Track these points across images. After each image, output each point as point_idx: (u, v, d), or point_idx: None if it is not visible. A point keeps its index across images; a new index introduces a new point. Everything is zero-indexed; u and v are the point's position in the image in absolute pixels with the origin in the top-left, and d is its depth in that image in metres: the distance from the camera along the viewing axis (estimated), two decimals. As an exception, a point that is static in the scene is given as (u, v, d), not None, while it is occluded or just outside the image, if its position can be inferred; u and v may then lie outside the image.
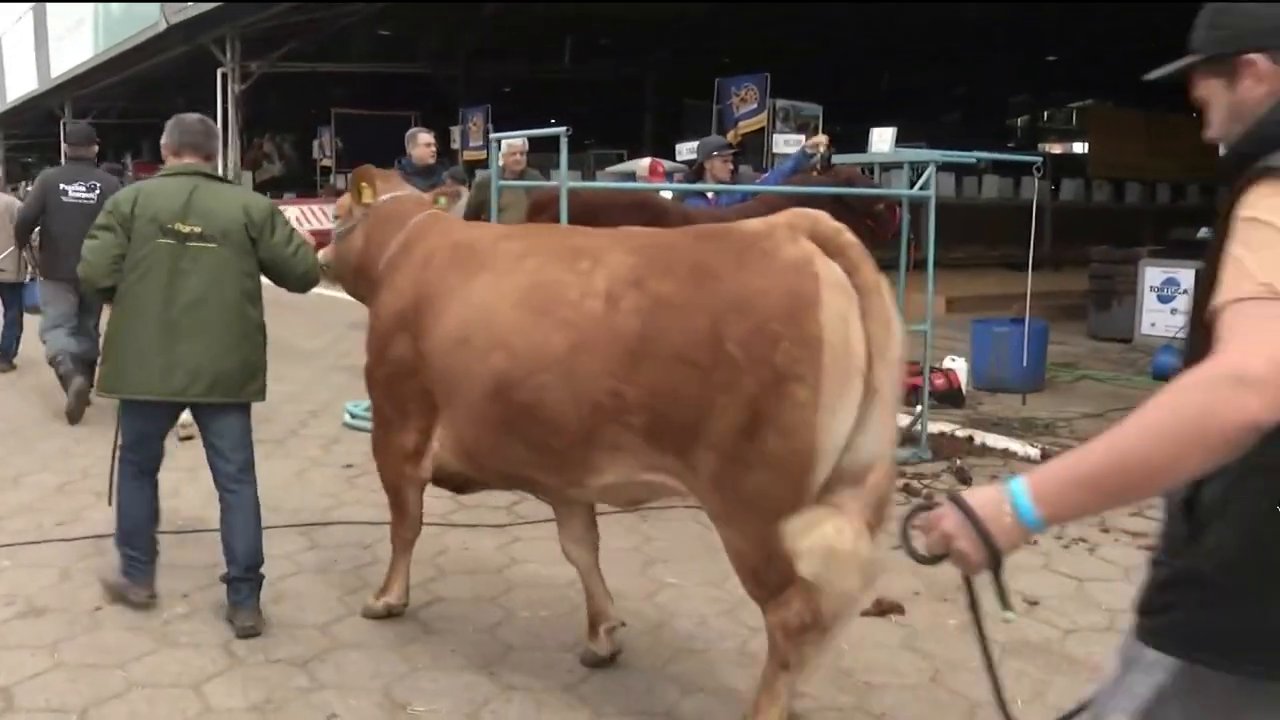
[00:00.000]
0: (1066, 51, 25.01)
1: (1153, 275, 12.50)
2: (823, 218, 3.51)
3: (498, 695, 4.06)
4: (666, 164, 10.07)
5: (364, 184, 4.85)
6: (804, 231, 3.45)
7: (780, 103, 16.57)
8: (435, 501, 6.35)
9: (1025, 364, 9.24)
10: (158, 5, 21.70)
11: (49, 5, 31.00)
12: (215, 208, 4.60)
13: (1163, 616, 2.04)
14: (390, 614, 4.70)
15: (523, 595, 5.01)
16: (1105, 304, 13.31)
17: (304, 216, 20.09)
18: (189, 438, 6.07)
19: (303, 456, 7.39)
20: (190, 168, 4.73)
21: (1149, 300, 12.50)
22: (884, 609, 4.83)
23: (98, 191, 8.37)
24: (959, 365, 9.16)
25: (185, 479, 6.63)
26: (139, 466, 4.77)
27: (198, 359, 4.48)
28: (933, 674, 4.32)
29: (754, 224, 3.63)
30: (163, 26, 21.90)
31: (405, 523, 4.60)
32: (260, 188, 26.75)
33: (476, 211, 9.57)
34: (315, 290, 5.05)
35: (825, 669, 4.27)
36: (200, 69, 23.01)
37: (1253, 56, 2.04)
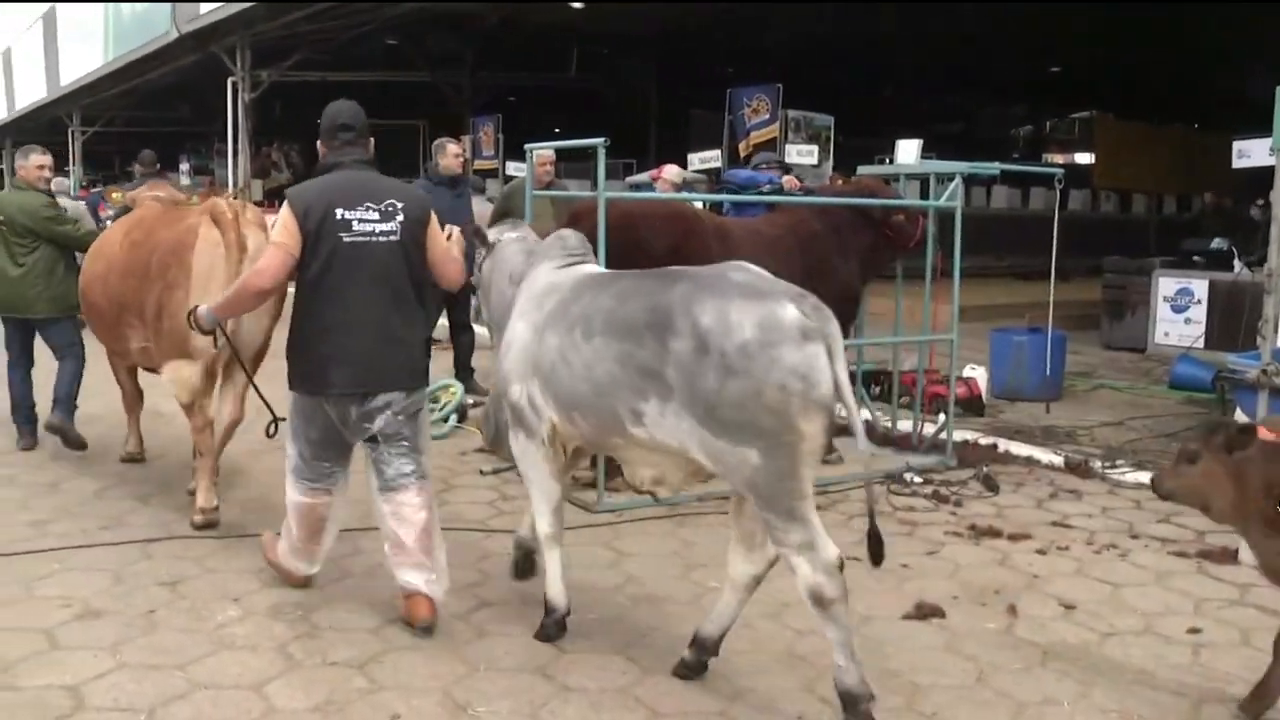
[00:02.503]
0: (1068, 63, 25.12)
1: (1166, 285, 12.59)
2: (219, 204, 6.09)
3: (555, 696, 4.14)
4: (688, 173, 10.15)
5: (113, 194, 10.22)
6: (208, 212, 6.01)
7: (792, 113, 16.66)
8: (475, 508, 6.50)
9: (1048, 373, 9.34)
10: (169, 14, 21.76)
11: (59, 14, 31.06)
12: (15, 208, 7.65)
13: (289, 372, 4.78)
14: (134, 459, 7.46)
15: (571, 598, 5.07)
16: (1119, 314, 13.39)
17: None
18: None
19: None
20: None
21: (1162, 310, 12.58)
22: (925, 613, 4.93)
23: None
24: (979, 374, 9.25)
25: (222, 486, 6.72)
26: (16, 362, 7.84)
27: (31, 290, 7.57)
28: (977, 675, 4.40)
29: (198, 208, 6.36)
30: (174, 35, 21.95)
31: (127, 395, 7.45)
32: (269, 195, 26.79)
33: (501, 219, 9.64)
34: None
35: (872, 670, 4.37)
36: (210, 78, 23.09)
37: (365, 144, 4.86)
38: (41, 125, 38.14)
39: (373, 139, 4.91)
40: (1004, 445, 7.94)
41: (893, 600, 5.11)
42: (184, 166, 28.43)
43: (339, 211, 4.57)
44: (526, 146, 7.53)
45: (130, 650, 4.50)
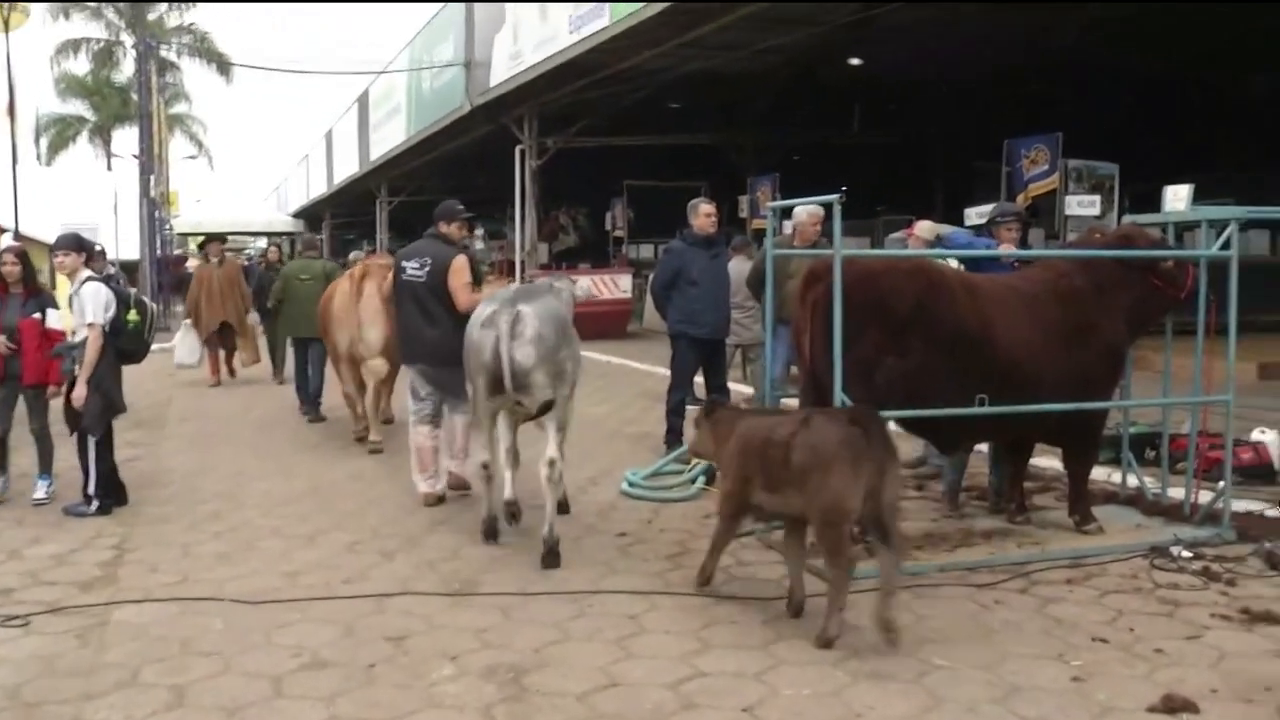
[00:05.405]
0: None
1: None
2: (372, 264, 10.85)
3: (750, 776, 3.96)
4: (942, 229, 9.77)
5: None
6: (364, 269, 10.51)
7: (1073, 163, 15.90)
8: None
9: (1350, 439, 8.41)
10: (463, 88, 23.06)
11: (371, 95, 33.47)
12: (313, 266, 12.90)
13: None
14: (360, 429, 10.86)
15: (787, 673, 4.86)
16: None
17: (595, 286, 20.53)
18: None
19: (579, 524, 7.44)
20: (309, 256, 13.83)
21: None
22: (1174, 706, 4.41)
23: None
24: (1269, 438, 8.43)
25: (466, 541, 6.88)
26: (302, 366, 12.74)
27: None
28: (1230, 782, 3.92)
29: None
30: (467, 108, 23.22)
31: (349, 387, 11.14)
32: (557, 259, 27.75)
33: (760, 278, 9.57)
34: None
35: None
36: (500, 146, 24.21)
37: (443, 225, 8.27)
38: (354, 197, 41.16)
39: (447, 220, 8.17)
40: (1295, 519, 7.18)
41: (1140, 689, 4.63)
42: (479, 232, 29.75)
43: (403, 263, 8.10)
44: (768, 205, 7.48)
45: (345, 702, 4.61)
